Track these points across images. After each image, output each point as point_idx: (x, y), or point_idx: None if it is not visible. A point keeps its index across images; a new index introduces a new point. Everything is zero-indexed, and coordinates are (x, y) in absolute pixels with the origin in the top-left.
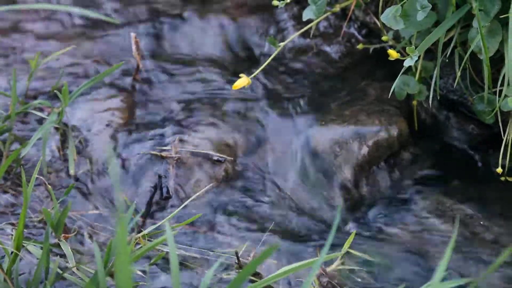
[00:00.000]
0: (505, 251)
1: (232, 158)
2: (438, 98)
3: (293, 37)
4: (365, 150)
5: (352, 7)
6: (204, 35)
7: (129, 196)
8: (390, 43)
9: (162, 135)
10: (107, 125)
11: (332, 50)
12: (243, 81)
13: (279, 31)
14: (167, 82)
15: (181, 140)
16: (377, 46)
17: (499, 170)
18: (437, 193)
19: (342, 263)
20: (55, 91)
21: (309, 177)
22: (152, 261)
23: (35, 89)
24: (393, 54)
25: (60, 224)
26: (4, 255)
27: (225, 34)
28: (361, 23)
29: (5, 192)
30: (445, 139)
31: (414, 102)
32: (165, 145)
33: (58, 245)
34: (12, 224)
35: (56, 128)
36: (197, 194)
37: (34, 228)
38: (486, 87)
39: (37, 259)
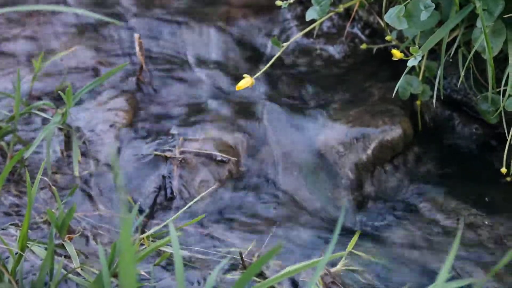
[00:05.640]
0: (509, 251)
1: (236, 159)
2: (442, 98)
3: (296, 37)
4: (369, 150)
5: (356, 7)
6: (207, 36)
7: (133, 197)
8: (394, 43)
9: (166, 136)
10: (111, 126)
11: (336, 50)
12: (247, 81)
13: (283, 31)
14: (171, 83)
15: (185, 141)
16: (381, 46)
17: (504, 170)
18: (441, 193)
19: (346, 264)
20: (59, 92)
21: (313, 177)
22: (156, 261)
23: (39, 90)
24: (396, 54)
25: (65, 225)
26: (9, 256)
27: (229, 34)
28: (365, 23)
29: (9, 193)
30: (449, 139)
31: (418, 102)
32: (169, 146)
33: (62, 246)
34: (17, 225)
35: (60, 129)
36: (201, 195)
37: (39, 229)
38: (490, 86)
39: (42, 260)
